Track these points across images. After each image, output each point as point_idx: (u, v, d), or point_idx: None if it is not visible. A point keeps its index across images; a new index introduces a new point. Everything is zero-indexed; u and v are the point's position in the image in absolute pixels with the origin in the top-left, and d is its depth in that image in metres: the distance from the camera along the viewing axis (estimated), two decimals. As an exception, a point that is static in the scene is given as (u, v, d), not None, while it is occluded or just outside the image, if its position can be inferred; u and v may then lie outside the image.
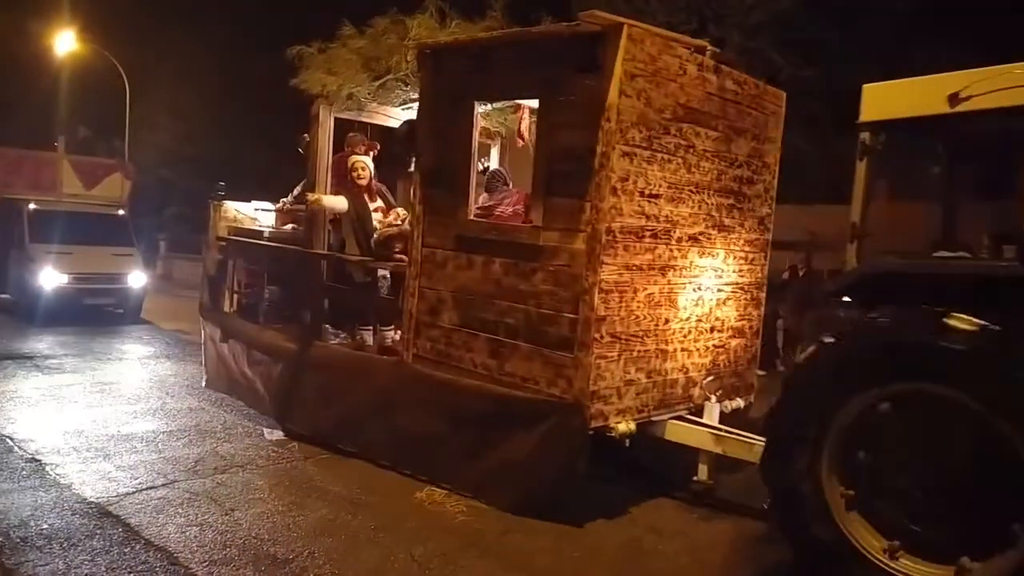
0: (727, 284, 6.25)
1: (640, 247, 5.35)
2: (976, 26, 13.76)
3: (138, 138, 24.40)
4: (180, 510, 5.13)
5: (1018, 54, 4.14)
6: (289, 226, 8.48)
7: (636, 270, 5.34)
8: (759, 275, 6.66)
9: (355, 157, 7.01)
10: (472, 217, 5.87)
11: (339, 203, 6.78)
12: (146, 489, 5.49)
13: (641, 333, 5.48)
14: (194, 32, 26.24)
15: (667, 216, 5.52)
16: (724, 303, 6.26)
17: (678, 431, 5.81)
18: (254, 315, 7.98)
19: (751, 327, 6.68)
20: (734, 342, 6.47)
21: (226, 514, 5.11)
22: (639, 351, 5.48)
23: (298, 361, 7.06)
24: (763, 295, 6.77)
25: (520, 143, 6.98)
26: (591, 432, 5.18)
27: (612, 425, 5.31)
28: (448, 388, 5.81)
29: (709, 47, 5.73)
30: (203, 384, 8.60)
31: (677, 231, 5.64)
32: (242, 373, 7.85)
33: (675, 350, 5.83)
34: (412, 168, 6.25)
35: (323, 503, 5.40)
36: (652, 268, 5.48)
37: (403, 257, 6.55)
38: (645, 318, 5.49)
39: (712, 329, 6.19)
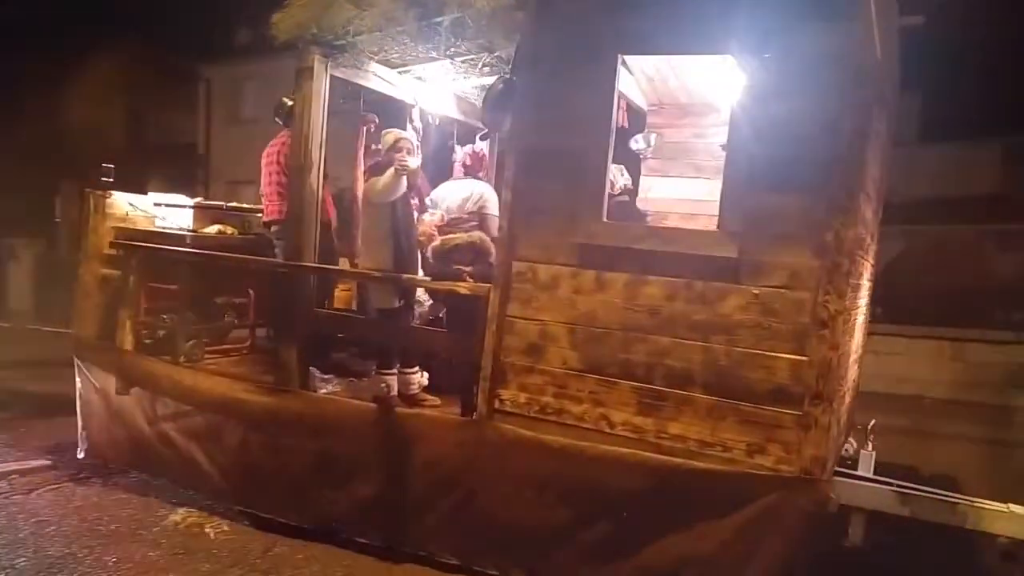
0: (863, 307, 5.15)
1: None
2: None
3: None
4: None
5: None
6: (214, 228, 6.17)
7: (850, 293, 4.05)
8: (870, 295, 5.62)
9: (398, 133, 4.99)
10: (604, 219, 4.22)
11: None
12: None
13: (842, 375, 4.19)
14: None
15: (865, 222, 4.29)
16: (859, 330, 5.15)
17: (850, 491, 4.57)
18: (173, 353, 5.61)
19: (861, 358, 5.62)
20: (853, 375, 5.38)
21: (-82, 566, 4.24)
22: (838, 398, 4.19)
23: (275, 420, 4.93)
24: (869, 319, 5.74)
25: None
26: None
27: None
28: (570, 457, 4.12)
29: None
30: (79, 455, 5.97)
31: (865, 241, 4.43)
32: (162, 437, 5.45)
33: (844, 392, 4.61)
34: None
35: (53, 539, 4.68)
36: (853, 290, 4.22)
37: (461, 270, 4.72)
38: (844, 355, 4.21)
39: (854, 363, 5.04)
